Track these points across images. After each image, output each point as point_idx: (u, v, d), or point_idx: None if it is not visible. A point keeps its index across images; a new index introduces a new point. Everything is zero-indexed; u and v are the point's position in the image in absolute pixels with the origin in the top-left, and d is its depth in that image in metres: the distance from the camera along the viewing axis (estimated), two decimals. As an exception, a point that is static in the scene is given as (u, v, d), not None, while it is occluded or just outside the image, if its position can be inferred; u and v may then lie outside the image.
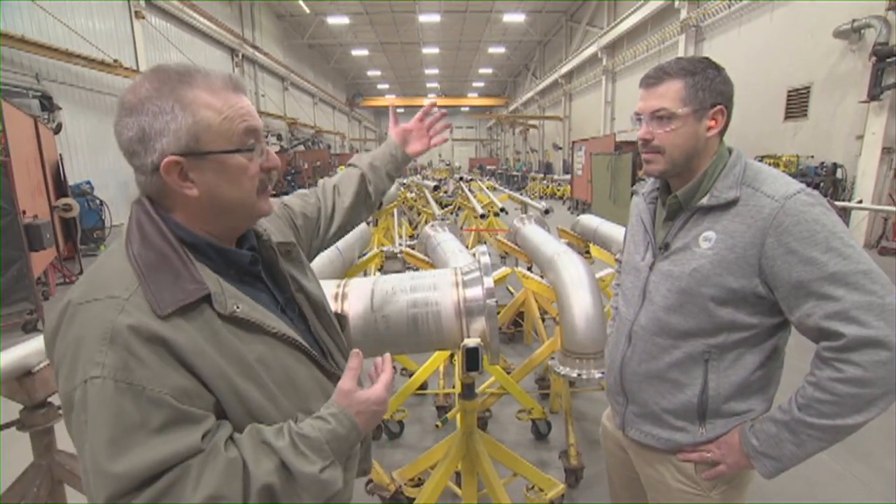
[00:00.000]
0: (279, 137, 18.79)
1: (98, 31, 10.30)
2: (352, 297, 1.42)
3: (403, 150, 1.35)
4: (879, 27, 7.13)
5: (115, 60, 10.13)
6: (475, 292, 1.38)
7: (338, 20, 21.54)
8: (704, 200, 1.07)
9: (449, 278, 1.44)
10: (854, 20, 7.51)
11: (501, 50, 27.39)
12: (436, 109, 1.37)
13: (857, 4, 7.49)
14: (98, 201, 8.30)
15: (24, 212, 4.68)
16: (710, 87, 1.05)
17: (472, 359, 1.35)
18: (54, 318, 0.69)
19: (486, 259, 1.43)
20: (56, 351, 0.67)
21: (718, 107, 1.06)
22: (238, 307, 0.74)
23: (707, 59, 1.09)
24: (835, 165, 8.02)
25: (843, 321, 0.92)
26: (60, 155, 7.02)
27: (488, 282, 1.37)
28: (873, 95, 7.26)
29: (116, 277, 0.69)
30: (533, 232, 3.27)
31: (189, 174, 0.72)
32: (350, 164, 1.32)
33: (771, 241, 0.98)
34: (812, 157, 8.59)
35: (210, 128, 0.72)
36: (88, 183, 8.49)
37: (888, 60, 7.03)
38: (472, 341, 1.35)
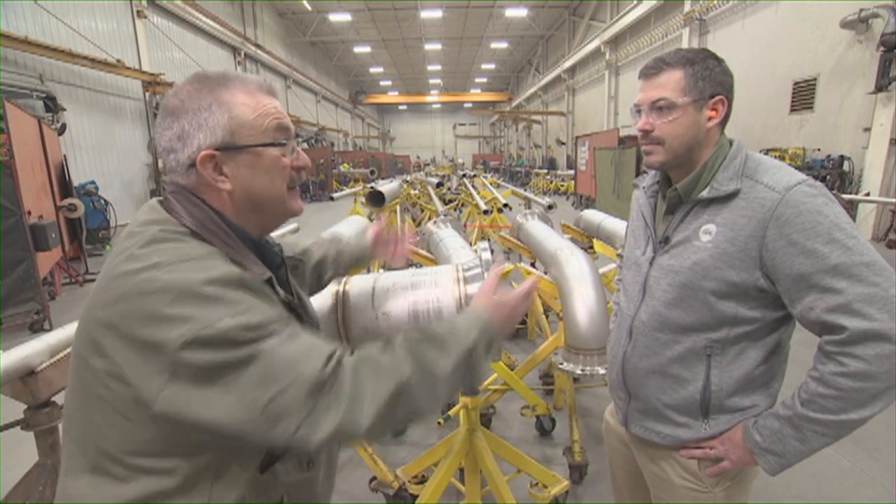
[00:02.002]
0: (282, 136, 18.81)
1: (101, 31, 10.34)
2: (352, 294, 1.41)
3: (372, 251, 1.39)
4: (887, 17, 7.03)
5: (118, 60, 10.16)
6: (476, 288, 1.37)
7: (339, 17, 21.52)
8: (705, 193, 1.06)
9: (450, 274, 1.43)
10: (861, 10, 7.42)
11: (504, 45, 27.29)
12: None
13: (863, -6, 7.40)
14: (103, 201, 8.34)
15: (29, 212, 4.70)
16: (709, 76, 1.03)
17: (474, 356, 1.34)
18: (124, 287, 0.64)
19: (486, 255, 1.42)
20: (162, 308, 0.61)
21: (719, 97, 1.05)
22: (291, 296, 0.80)
23: (706, 49, 1.08)
24: (842, 158, 7.94)
25: (846, 314, 0.90)
26: (65, 155, 7.05)
27: (489, 278, 1.36)
28: (881, 86, 7.17)
29: (197, 247, 0.70)
30: (536, 228, 3.25)
31: (223, 168, 0.75)
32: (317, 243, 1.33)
33: (772, 233, 0.96)
34: (818, 149, 8.51)
35: (244, 123, 0.75)
36: (93, 183, 8.53)
37: (896, 51, 6.95)
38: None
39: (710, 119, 1.06)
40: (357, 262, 1.35)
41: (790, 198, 0.95)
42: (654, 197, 1.22)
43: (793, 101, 9.23)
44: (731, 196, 1.03)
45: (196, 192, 0.77)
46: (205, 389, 0.62)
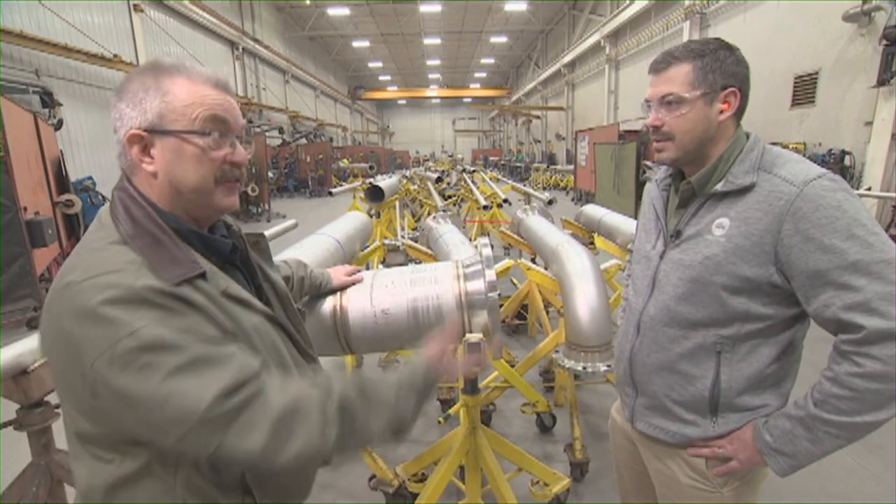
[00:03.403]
0: (281, 130, 18.72)
1: (97, 25, 10.25)
2: (350, 291, 1.38)
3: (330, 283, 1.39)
4: (890, 10, 6.96)
5: (115, 55, 10.09)
6: (477, 285, 1.35)
7: (338, 11, 21.40)
8: (719, 186, 1.03)
9: (450, 271, 1.40)
10: (864, 3, 7.35)
11: (503, 39, 27.15)
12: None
13: (866, -13, 7.33)
14: (100, 197, 8.26)
15: (25, 208, 4.66)
16: (720, 68, 1.00)
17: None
18: (53, 304, 0.68)
19: (487, 251, 1.39)
20: (72, 328, 0.65)
21: (731, 89, 1.02)
22: (228, 287, 0.79)
23: (719, 39, 1.04)
24: (843, 153, 7.89)
25: (864, 313, 0.87)
26: (61, 151, 6.99)
27: (490, 274, 1.33)
28: (883, 80, 7.10)
29: (118, 255, 0.70)
30: (536, 223, 3.22)
31: (150, 149, 0.77)
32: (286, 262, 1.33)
33: (788, 228, 0.93)
34: (820, 144, 8.46)
35: (174, 109, 0.76)
36: (91, 178, 8.45)
37: (899, 44, 6.88)
38: (474, 336, 1.31)
39: (721, 112, 1.03)
40: (317, 290, 1.36)
41: (808, 192, 0.92)
42: (666, 190, 1.19)
43: (794, 96, 9.17)
44: (746, 190, 1.00)
45: (131, 174, 0.79)
46: (120, 406, 0.66)
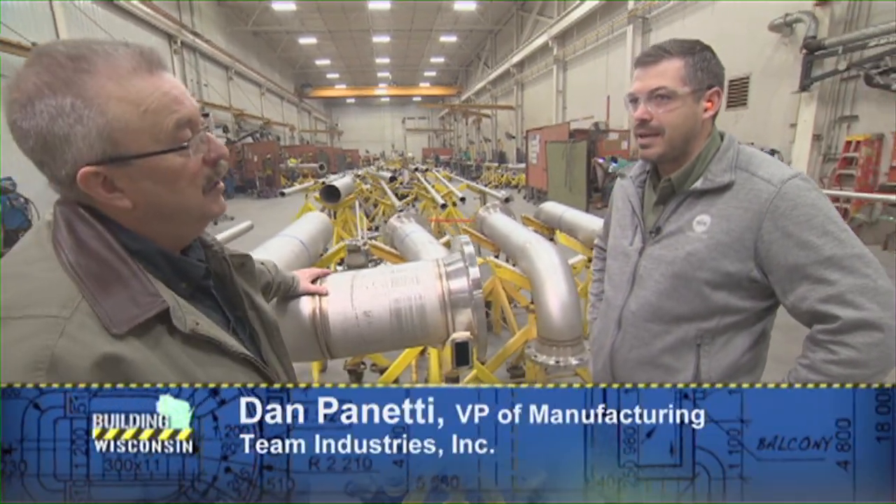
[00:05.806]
0: (225, 129, 17.92)
1: (10, 9, 9.36)
2: (330, 293, 1.32)
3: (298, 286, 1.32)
4: (809, 22, 7.58)
5: (33, 44, 9.26)
6: (460, 284, 1.33)
7: (283, 6, 20.69)
8: (698, 184, 1.06)
9: (432, 270, 1.38)
10: (787, 14, 7.96)
11: (453, 39, 27.27)
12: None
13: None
14: (22, 199, 7.58)
15: (-65, 212, 4.19)
16: (707, 67, 1.04)
17: (462, 353, 1.30)
18: None
19: (469, 248, 1.37)
20: None
21: (715, 88, 1.06)
22: (198, 324, 0.64)
23: (700, 41, 1.08)
24: (772, 151, 8.50)
25: (839, 304, 0.93)
26: (-24, 148, 6.35)
27: (474, 272, 1.31)
28: (804, 86, 7.73)
29: (50, 290, 0.56)
30: (500, 221, 3.25)
31: (116, 183, 0.60)
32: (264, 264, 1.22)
33: (768, 225, 0.98)
34: (752, 143, 9.09)
35: (128, 126, 0.58)
36: (10, 179, 7.72)
37: (817, 53, 7.50)
38: (461, 335, 1.29)
39: (706, 111, 1.07)
40: (285, 294, 1.30)
41: (786, 190, 0.97)
42: (641, 187, 1.21)
43: (729, 98, 9.80)
44: (725, 188, 1.03)
45: (91, 205, 0.62)
46: None
